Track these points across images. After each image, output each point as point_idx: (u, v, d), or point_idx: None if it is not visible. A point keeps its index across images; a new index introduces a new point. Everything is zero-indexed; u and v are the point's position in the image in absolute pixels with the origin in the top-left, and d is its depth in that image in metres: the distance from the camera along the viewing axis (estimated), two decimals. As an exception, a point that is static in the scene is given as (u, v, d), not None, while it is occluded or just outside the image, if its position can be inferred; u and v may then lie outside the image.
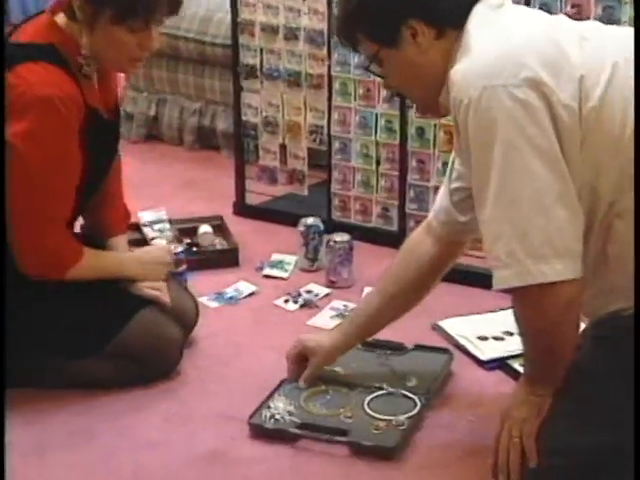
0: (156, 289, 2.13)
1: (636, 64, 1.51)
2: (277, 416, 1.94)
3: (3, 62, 1.83)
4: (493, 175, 1.51)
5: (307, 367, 2.03)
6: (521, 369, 2.11)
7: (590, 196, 1.54)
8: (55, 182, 1.93)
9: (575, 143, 1.50)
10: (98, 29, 1.90)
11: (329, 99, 2.78)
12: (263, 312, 2.47)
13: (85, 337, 2.05)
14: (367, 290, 2.48)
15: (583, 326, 1.99)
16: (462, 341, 2.25)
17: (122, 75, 2.16)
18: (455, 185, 1.89)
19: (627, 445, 1.55)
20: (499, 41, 1.55)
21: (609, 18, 2.29)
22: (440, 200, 1.96)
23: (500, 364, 2.17)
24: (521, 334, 1.66)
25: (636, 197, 1.51)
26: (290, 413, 1.96)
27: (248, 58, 2.89)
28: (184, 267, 2.51)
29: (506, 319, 2.14)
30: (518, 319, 1.63)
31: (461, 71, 1.54)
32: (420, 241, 2.00)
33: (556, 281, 1.50)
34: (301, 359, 2.04)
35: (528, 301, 1.55)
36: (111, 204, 2.22)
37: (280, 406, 1.97)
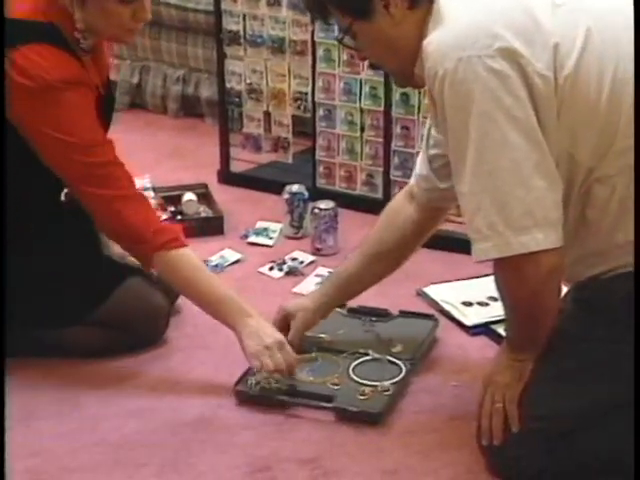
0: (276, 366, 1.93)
1: (636, 60, 1.51)
2: (262, 383, 1.95)
3: (3, 61, 1.81)
4: (470, 147, 1.50)
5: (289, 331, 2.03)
6: (503, 332, 2.13)
7: (568, 164, 1.54)
8: (108, 158, 1.93)
9: (551, 112, 1.50)
10: (90, 2, 1.87)
11: (313, 66, 2.76)
12: (248, 280, 2.47)
13: (71, 305, 2.05)
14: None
15: (564, 290, 2.02)
16: (447, 307, 2.26)
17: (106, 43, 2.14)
18: (433, 152, 1.88)
19: (607, 407, 1.57)
20: (471, 10, 1.54)
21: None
22: (419, 167, 1.96)
23: (484, 329, 2.18)
24: (503, 302, 1.67)
25: (636, 189, 1.51)
26: (276, 380, 1.96)
27: (231, 24, 2.87)
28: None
29: (490, 285, 2.14)
30: (500, 288, 1.63)
31: (434, 42, 1.52)
32: (402, 205, 2.00)
33: (536, 251, 1.50)
34: (285, 325, 2.04)
35: (509, 271, 1.56)
36: None
37: (263, 372, 1.97)
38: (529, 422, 1.64)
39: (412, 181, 2.00)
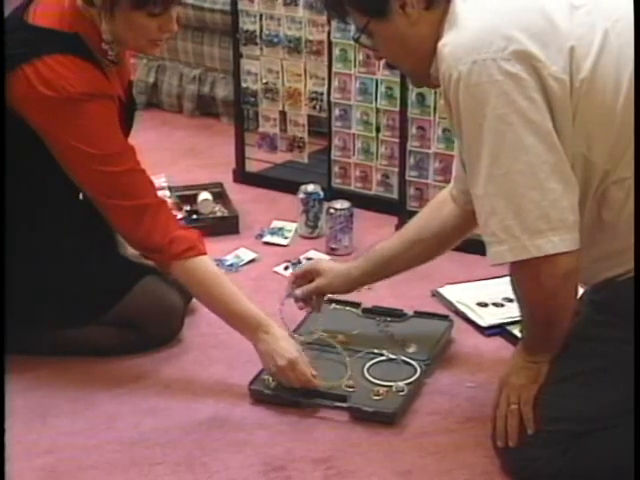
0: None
1: (636, 59, 1.50)
2: (276, 381, 1.95)
3: (3, 61, 1.81)
4: (485, 150, 1.50)
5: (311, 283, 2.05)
6: (519, 334, 2.12)
7: (584, 166, 1.53)
8: (129, 165, 1.94)
9: (567, 115, 1.49)
10: (118, 15, 1.87)
11: (329, 66, 2.76)
12: (263, 279, 2.47)
13: (87, 304, 2.05)
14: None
15: (580, 292, 2.01)
16: (462, 308, 2.25)
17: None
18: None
19: (623, 409, 1.56)
20: (486, 12, 1.53)
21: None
22: (455, 168, 1.96)
23: (500, 330, 2.17)
24: (519, 304, 1.67)
25: (636, 189, 1.50)
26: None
27: (248, 24, 2.87)
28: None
29: (505, 286, 2.13)
30: (517, 290, 1.63)
31: (449, 45, 1.52)
32: (445, 200, 1.99)
33: (553, 254, 1.50)
34: (307, 276, 2.05)
35: (525, 274, 1.55)
36: None
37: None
38: (545, 424, 1.64)
39: (452, 182, 1.99)
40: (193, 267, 1.95)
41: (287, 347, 1.92)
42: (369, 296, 2.30)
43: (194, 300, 2.26)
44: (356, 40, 1.68)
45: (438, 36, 1.56)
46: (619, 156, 1.52)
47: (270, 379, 1.95)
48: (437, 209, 1.99)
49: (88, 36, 1.90)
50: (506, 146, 1.49)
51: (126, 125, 2.05)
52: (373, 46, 1.67)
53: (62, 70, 1.85)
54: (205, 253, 1.98)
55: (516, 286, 1.62)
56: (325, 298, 2.14)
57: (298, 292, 2.07)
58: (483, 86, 1.48)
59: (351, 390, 1.93)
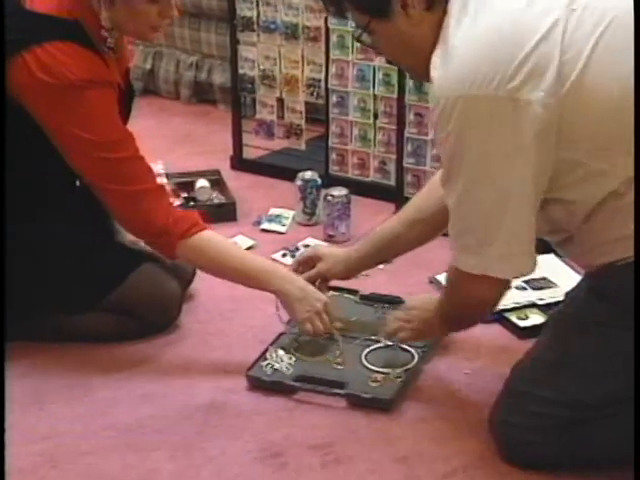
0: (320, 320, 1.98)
1: (636, 59, 1.50)
2: (275, 366, 1.96)
3: (3, 62, 1.81)
4: (461, 178, 1.56)
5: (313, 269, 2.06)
6: (518, 322, 2.13)
7: (576, 168, 1.55)
8: (130, 152, 1.94)
9: (551, 138, 1.52)
10: (118, 1, 1.87)
11: (326, 52, 2.76)
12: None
13: (85, 291, 2.05)
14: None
15: (570, 270, 2.02)
16: (459, 295, 2.25)
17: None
18: None
19: (620, 397, 1.57)
20: (475, 43, 1.53)
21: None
22: None
23: (497, 317, 2.17)
24: (447, 298, 1.75)
25: (636, 189, 1.51)
26: (288, 365, 1.97)
27: (245, 10, 2.86)
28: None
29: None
30: (454, 288, 1.70)
31: (437, 76, 1.55)
32: None
33: (507, 279, 1.63)
34: (309, 263, 2.06)
35: (474, 286, 1.63)
36: None
37: (277, 358, 1.98)
38: (542, 405, 1.64)
39: None
40: (202, 242, 1.96)
41: (318, 292, 1.98)
42: (367, 283, 2.30)
43: (192, 287, 2.27)
44: (357, 39, 1.68)
45: (438, 36, 1.57)
46: (614, 158, 1.53)
47: (265, 368, 1.96)
48: (434, 189, 2.00)
49: (87, 23, 1.90)
50: (481, 179, 1.54)
51: (125, 112, 2.05)
52: (373, 44, 1.68)
53: (62, 57, 1.84)
54: (207, 228, 1.98)
55: (457, 290, 1.69)
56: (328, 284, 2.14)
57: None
58: (463, 121, 1.51)
59: (339, 368, 1.94)
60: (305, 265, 2.09)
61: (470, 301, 1.69)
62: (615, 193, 1.53)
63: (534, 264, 1.62)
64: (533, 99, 1.49)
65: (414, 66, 1.67)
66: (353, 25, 1.68)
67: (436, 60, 1.56)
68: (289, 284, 1.97)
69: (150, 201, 1.94)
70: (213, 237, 1.99)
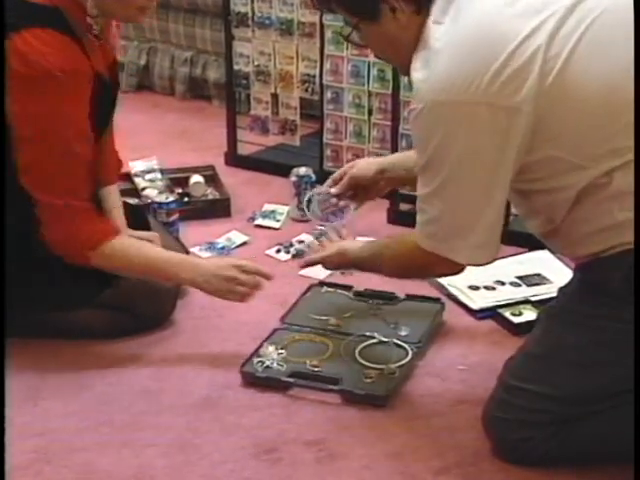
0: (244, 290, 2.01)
1: (636, 56, 1.51)
2: (267, 363, 1.96)
3: (3, 63, 1.79)
4: (439, 176, 1.59)
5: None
6: (513, 318, 2.13)
7: (555, 162, 1.56)
8: (77, 156, 1.91)
9: (530, 139, 1.54)
10: None
11: (321, 48, 2.76)
12: (255, 262, 2.45)
13: (80, 287, 2.05)
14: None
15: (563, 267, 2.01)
16: (453, 291, 2.26)
17: (114, 24, 2.12)
18: None
19: (614, 390, 1.58)
20: (454, 45, 1.54)
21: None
22: None
23: (491, 313, 2.17)
24: (398, 261, 1.81)
25: (636, 188, 1.51)
26: (280, 362, 1.97)
27: (239, 6, 2.85)
28: (176, 217, 2.51)
29: (497, 269, 2.15)
30: (409, 260, 1.75)
31: (417, 79, 1.57)
32: None
33: (463, 263, 1.68)
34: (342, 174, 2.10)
35: (436, 264, 1.69)
36: (104, 155, 2.19)
37: (270, 354, 1.98)
38: (534, 400, 1.65)
39: None
40: (109, 250, 1.94)
41: (223, 260, 2.06)
42: (361, 279, 2.30)
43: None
44: (346, 38, 1.70)
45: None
46: (599, 155, 1.53)
47: (259, 364, 1.96)
48: None
49: (71, 10, 1.87)
50: (462, 177, 1.57)
51: (106, 104, 2.01)
52: (363, 42, 1.70)
53: (38, 44, 1.81)
54: (116, 235, 1.97)
55: (419, 260, 1.72)
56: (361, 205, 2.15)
57: (334, 190, 2.06)
58: (439, 126, 1.54)
59: (316, 370, 1.94)
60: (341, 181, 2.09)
61: (425, 272, 1.86)
62: (595, 184, 1.54)
63: (497, 252, 1.67)
64: (512, 104, 1.50)
65: (403, 63, 1.67)
66: (344, 33, 1.70)
67: (417, 62, 1.57)
68: (196, 272, 1.97)
69: (76, 218, 1.92)
70: (118, 243, 1.96)
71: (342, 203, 2.09)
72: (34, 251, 1.99)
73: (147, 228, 2.20)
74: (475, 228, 1.61)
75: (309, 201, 2.07)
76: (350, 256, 1.94)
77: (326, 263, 2.03)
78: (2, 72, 1.80)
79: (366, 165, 2.08)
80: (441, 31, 1.55)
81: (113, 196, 2.18)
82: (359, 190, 2.07)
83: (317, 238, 2.03)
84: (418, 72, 1.57)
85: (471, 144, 1.54)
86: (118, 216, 2.13)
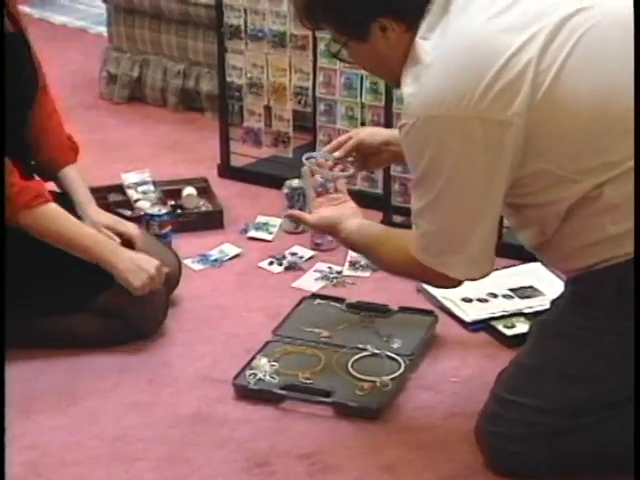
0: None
1: (636, 59, 1.51)
2: (259, 376, 1.95)
3: (3, 66, 1.79)
4: (433, 191, 1.59)
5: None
6: (505, 330, 2.14)
7: (545, 175, 1.56)
8: None
9: (521, 152, 1.54)
10: None
11: (314, 60, 2.76)
12: (248, 274, 2.46)
13: (72, 292, 2.05)
14: (352, 253, 2.48)
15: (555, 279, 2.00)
16: (446, 303, 2.25)
17: None
18: None
19: (607, 402, 1.58)
20: (444, 59, 1.55)
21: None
22: None
23: (484, 326, 2.17)
24: (394, 261, 1.77)
25: (636, 190, 1.52)
26: (273, 374, 1.96)
27: (232, 19, 2.85)
28: (168, 229, 2.51)
29: (490, 281, 2.15)
30: (406, 266, 1.72)
31: (408, 94, 1.57)
32: None
33: (456, 278, 1.67)
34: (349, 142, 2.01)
35: (432, 275, 1.68)
36: (51, 137, 2.19)
37: (263, 367, 1.98)
38: (525, 413, 1.64)
39: None
40: (43, 214, 1.98)
41: (149, 258, 2.06)
42: (353, 291, 2.30)
43: (176, 293, 2.26)
44: (335, 55, 1.69)
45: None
46: (591, 168, 1.53)
47: (252, 376, 1.95)
48: None
49: None
50: (456, 192, 1.57)
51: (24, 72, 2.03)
52: (352, 59, 1.72)
53: None
54: (51, 201, 2.00)
55: (408, 263, 1.70)
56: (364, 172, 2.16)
57: (337, 153, 1.98)
58: (437, 140, 1.54)
59: (309, 382, 1.93)
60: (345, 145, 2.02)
61: (422, 281, 1.85)
62: (586, 197, 1.55)
63: (493, 266, 1.67)
64: (504, 118, 1.51)
65: (393, 78, 1.68)
66: (333, 50, 1.69)
67: (407, 77, 1.58)
68: (119, 256, 2.02)
69: (11, 176, 1.93)
70: (54, 210, 2.01)
71: (340, 167, 2.00)
72: (28, 254, 1.99)
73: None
74: (469, 243, 1.61)
75: (310, 158, 1.97)
76: (342, 233, 1.84)
77: (315, 227, 1.95)
78: (2, 72, 1.79)
79: (373, 133, 2.03)
80: (431, 45, 1.56)
81: (72, 176, 2.19)
82: (359, 157, 2.00)
83: (317, 188, 1.95)
84: (409, 87, 1.57)
85: (464, 159, 1.54)
86: (85, 195, 2.14)
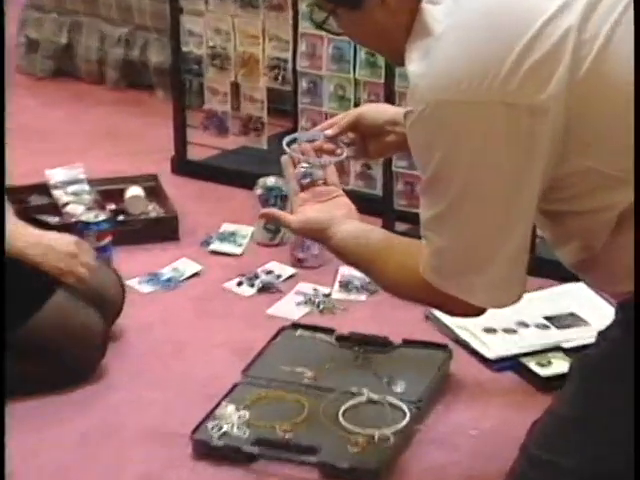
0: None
1: (636, 64, 1.55)
2: (225, 428, 1.98)
3: (3, 66, 1.83)
4: (447, 197, 1.60)
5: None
6: (538, 369, 2.16)
7: (588, 175, 1.60)
8: None
9: (559, 145, 1.56)
10: None
11: (294, 25, 2.79)
12: (210, 299, 2.49)
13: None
14: (343, 271, 2.51)
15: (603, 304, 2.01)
16: (463, 334, 2.29)
17: None
18: None
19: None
20: (461, 29, 1.57)
21: None
22: None
23: (512, 364, 2.20)
24: (399, 281, 1.76)
25: (636, 196, 1.55)
26: (242, 426, 1.99)
27: (189, -30, 2.90)
28: (108, 241, 2.53)
29: (520, 307, 2.18)
30: (415, 290, 1.72)
31: (414, 73, 1.59)
32: None
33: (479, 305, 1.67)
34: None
35: (447, 301, 1.67)
36: None
37: (229, 417, 2.00)
38: (563, 476, 1.67)
39: None
40: None
41: (64, 237, 2.15)
42: (346, 320, 2.33)
43: (120, 322, 2.28)
44: (319, 26, 1.72)
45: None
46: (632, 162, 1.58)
47: (215, 429, 1.98)
48: None
49: None
50: (476, 196, 1.59)
51: None
52: (342, 31, 1.73)
53: None
54: None
55: (418, 287, 1.70)
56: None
57: (330, 131, 1.96)
58: (451, 131, 1.55)
59: (288, 437, 1.96)
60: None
61: (432, 305, 1.81)
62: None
63: (524, 289, 1.67)
64: (537, 103, 1.53)
65: (391, 54, 1.71)
66: (318, 20, 1.71)
67: (413, 52, 1.60)
68: (30, 245, 2.09)
69: None
70: None
71: (331, 149, 1.95)
72: None
73: None
74: (493, 261, 1.62)
75: (292, 141, 1.93)
76: (332, 240, 1.81)
77: (298, 231, 1.88)
78: (2, 73, 1.84)
79: (377, 110, 2.02)
80: (442, 11, 1.58)
81: None
82: (357, 139, 2.00)
83: (301, 179, 1.91)
84: (415, 64, 1.59)
85: (486, 155, 1.56)
86: None
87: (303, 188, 1.88)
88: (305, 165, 1.90)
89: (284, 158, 1.91)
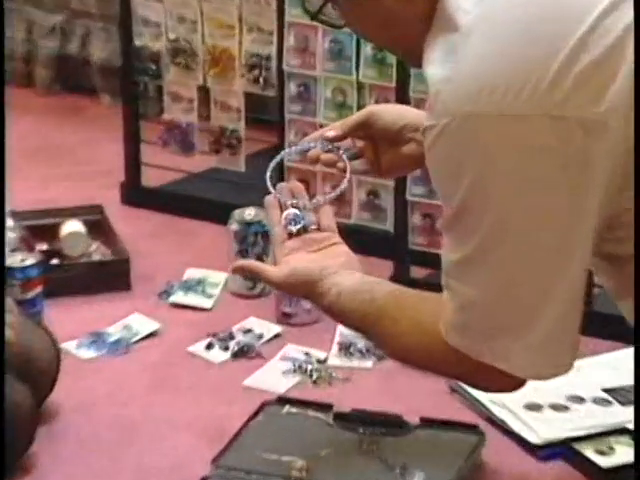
0: None
1: (636, 64, 1.58)
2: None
3: (3, 65, 1.85)
4: (477, 236, 1.61)
5: None
6: (594, 457, 2.17)
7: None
8: None
9: (619, 169, 1.58)
10: None
11: (279, 12, 2.82)
12: (170, 366, 2.50)
13: None
14: (342, 330, 2.52)
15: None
16: (499, 412, 2.30)
17: None
18: None
19: None
20: (495, 23, 1.60)
21: None
22: None
23: (562, 450, 2.21)
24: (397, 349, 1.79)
25: (636, 197, 1.58)
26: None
27: (144, -58, 2.93)
28: (38, 292, 2.55)
29: (572, 377, 2.20)
30: (434, 363, 1.75)
31: (435, 78, 1.61)
32: None
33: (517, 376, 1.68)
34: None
35: (472, 369, 1.68)
36: None
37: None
38: None
39: None
40: None
41: None
42: (346, 393, 2.34)
43: (52, 399, 2.28)
44: (314, 17, 1.74)
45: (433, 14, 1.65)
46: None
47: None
48: None
49: None
50: (516, 235, 1.60)
51: None
52: (342, 22, 1.74)
53: None
54: None
55: (453, 361, 1.71)
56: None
57: (331, 132, 1.97)
58: (483, 151, 1.57)
59: None
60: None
61: (457, 377, 1.82)
62: None
63: (575, 355, 1.68)
64: (593, 117, 1.55)
65: (405, 53, 1.75)
66: (313, 9, 1.73)
67: (433, 50, 1.63)
68: None
69: None
70: None
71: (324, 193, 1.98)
72: None
73: None
74: (537, 320, 1.63)
75: (279, 163, 1.94)
76: (325, 297, 1.81)
77: (282, 287, 1.89)
78: (2, 74, 1.86)
79: (394, 111, 2.04)
80: (470, 0, 1.62)
81: None
82: (367, 148, 2.01)
83: (288, 225, 1.90)
84: (436, 66, 1.62)
85: (527, 182, 1.58)
86: None
87: (290, 236, 1.89)
88: (294, 210, 1.91)
89: (268, 199, 1.93)
